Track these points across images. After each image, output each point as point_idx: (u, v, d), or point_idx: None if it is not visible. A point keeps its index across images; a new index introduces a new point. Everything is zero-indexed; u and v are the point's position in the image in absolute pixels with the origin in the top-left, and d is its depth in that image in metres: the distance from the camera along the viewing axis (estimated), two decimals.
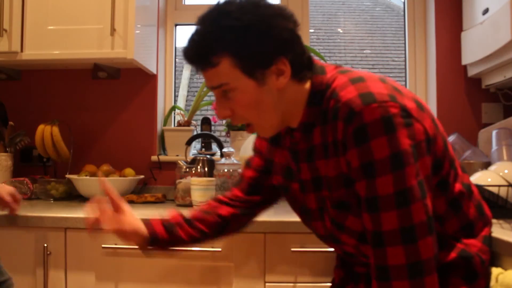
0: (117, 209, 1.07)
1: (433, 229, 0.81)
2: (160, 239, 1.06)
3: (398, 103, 0.81)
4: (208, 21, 0.87)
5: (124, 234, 1.05)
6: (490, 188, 1.26)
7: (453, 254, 0.89)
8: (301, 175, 0.96)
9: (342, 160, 0.85)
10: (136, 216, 1.07)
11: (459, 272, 0.89)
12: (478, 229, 0.94)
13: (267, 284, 1.40)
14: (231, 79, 0.86)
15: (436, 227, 0.87)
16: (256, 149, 1.14)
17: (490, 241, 0.96)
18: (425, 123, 0.84)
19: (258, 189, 1.13)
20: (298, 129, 0.93)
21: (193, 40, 0.88)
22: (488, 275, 0.95)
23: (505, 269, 0.96)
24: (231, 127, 2.07)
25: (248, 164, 1.15)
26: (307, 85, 0.91)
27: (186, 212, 1.11)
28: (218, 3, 0.88)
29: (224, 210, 1.11)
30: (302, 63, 0.90)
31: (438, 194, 0.88)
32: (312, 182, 0.94)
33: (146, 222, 1.07)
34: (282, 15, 0.88)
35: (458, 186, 0.91)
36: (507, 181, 1.26)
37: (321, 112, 0.88)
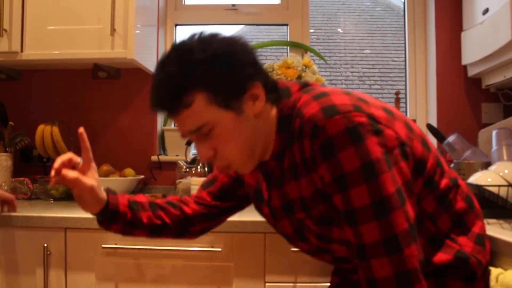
0: (85, 166, 0.98)
1: (416, 236, 0.79)
2: (121, 213, 1.00)
3: (364, 112, 0.80)
4: (173, 61, 0.84)
5: (83, 191, 0.94)
6: (490, 188, 1.26)
7: (449, 256, 0.87)
8: (272, 202, 0.94)
9: (315, 177, 0.83)
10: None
11: (457, 274, 0.88)
12: (470, 222, 0.92)
13: (267, 284, 1.40)
14: (209, 117, 0.83)
15: (429, 227, 0.87)
16: None
17: (483, 239, 0.93)
18: (396, 129, 0.83)
19: (229, 196, 1.10)
20: (272, 158, 0.91)
21: (159, 84, 0.85)
22: (487, 276, 0.94)
23: (505, 269, 0.96)
24: None
25: None
26: (274, 111, 0.89)
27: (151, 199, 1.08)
28: (174, 44, 0.87)
29: (189, 209, 1.08)
30: (270, 85, 0.88)
31: (426, 193, 0.87)
32: (283, 208, 0.93)
33: (111, 190, 1.02)
34: (239, 42, 0.87)
35: (444, 182, 0.90)
36: (507, 181, 1.26)
37: (289, 135, 0.86)
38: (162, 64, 0.87)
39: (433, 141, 2.06)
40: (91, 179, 0.96)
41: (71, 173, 0.94)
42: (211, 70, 0.82)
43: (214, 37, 0.86)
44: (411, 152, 0.84)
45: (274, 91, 0.89)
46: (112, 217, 1.00)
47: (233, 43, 0.86)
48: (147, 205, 1.05)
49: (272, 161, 0.91)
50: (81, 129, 1.03)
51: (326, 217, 0.86)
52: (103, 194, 0.99)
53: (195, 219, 1.09)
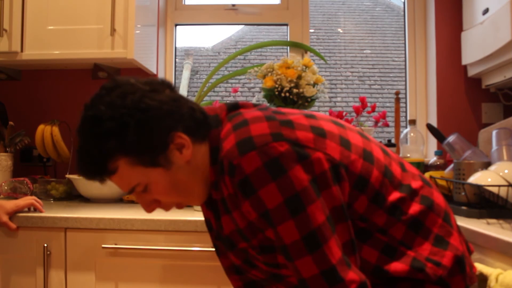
0: None
1: (349, 262, 0.77)
2: None
3: (285, 139, 0.76)
4: (86, 135, 0.82)
5: None
6: (490, 188, 1.26)
7: (405, 266, 0.82)
8: (223, 231, 0.91)
9: (243, 210, 0.80)
10: None
11: (419, 283, 0.83)
12: (430, 222, 0.86)
13: None
14: (139, 178, 0.82)
15: (380, 238, 0.83)
16: None
17: (444, 238, 0.86)
18: (328, 150, 0.79)
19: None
20: (212, 189, 0.89)
21: (81, 157, 0.84)
22: (462, 274, 0.86)
23: (505, 269, 0.96)
24: None
25: None
26: (206, 145, 0.86)
27: None
28: (86, 108, 0.83)
29: None
30: (196, 123, 0.85)
31: (373, 209, 0.83)
32: (224, 242, 0.91)
33: None
34: (152, 90, 0.82)
35: (395, 193, 0.85)
36: (507, 181, 1.26)
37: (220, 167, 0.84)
38: (81, 134, 0.83)
39: (433, 141, 2.06)
40: None
41: None
42: (124, 138, 0.79)
43: (122, 95, 0.81)
44: (346, 172, 0.80)
45: (203, 126, 0.86)
46: None
47: (142, 97, 0.80)
48: None
49: (213, 192, 0.90)
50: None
51: (267, 246, 0.84)
52: None
53: None
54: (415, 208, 0.86)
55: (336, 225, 0.78)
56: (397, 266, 0.83)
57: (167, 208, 0.89)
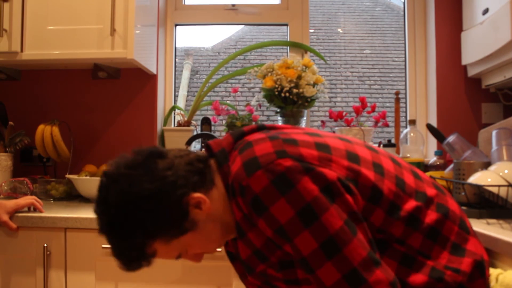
0: None
1: (378, 260, 0.77)
2: None
3: (289, 156, 0.78)
4: (112, 240, 0.85)
5: None
6: (490, 188, 1.26)
7: (424, 277, 0.83)
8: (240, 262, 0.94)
9: (261, 227, 0.81)
10: None
11: None
12: (447, 231, 0.87)
13: None
14: (177, 248, 0.87)
15: (397, 249, 0.83)
16: None
17: (460, 245, 0.87)
18: (333, 167, 0.80)
19: None
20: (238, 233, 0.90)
21: (120, 258, 0.87)
22: (482, 278, 0.87)
23: (505, 269, 0.96)
24: (231, 127, 2.07)
25: None
26: (219, 183, 0.88)
27: None
28: (97, 213, 0.85)
29: None
30: (200, 174, 0.86)
31: (390, 221, 0.83)
32: (245, 267, 0.92)
33: None
34: (146, 171, 0.84)
35: (410, 203, 0.85)
36: (507, 181, 1.26)
37: None
38: (106, 239, 0.87)
39: (433, 141, 2.06)
40: None
41: None
42: (146, 227, 0.82)
43: (123, 193, 0.82)
44: (356, 186, 0.81)
45: (207, 172, 0.87)
46: None
47: (141, 183, 0.82)
48: None
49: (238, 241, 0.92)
50: None
51: (286, 261, 0.84)
52: None
53: None
54: (431, 216, 0.86)
55: (356, 227, 0.78)
56: (416, 278, 0.83)
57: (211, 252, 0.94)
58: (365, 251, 0.76)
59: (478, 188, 1.32)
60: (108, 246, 0.87)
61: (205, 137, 2.08)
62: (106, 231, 0.85)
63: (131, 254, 0.85)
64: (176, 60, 2.31)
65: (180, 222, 0.84)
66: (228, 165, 0.87)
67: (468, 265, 0.85)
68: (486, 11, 1.71)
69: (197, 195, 0.84)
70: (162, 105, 2.21)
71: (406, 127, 2.12)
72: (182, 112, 2.20)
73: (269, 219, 0.77)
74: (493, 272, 0.95)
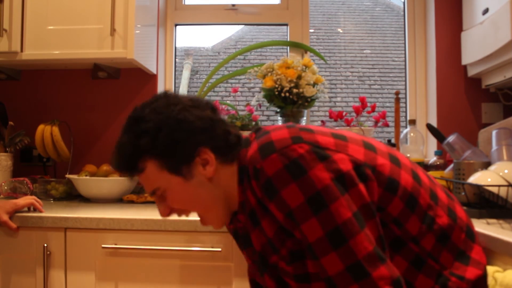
0: None
1: (383, 257, 0.77)
2: None
3: (305, 142, 0.79)
4: (126, 130, 0.90)
5: None
6: (490, 188, 1.26)
7: (431, 281, 0.84)
8: (256, 255, 0.93)
9: (273, 213, 0.82)
10: None
11: None
12: (455, 237, 0.88)
13: None
14: (160, 181, 0.88)
15: (412, 249, 0.84)
16: None
17: (465, 253, 0.89)
18: (350, 151, 0.81)
19: None
20: (240, 211, 0.92)
21: (117, 151, 0.92)
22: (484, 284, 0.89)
23: (505, 269, 0.96)
24: None
25: None
26: (235, 166, 0.90)
27: None
28: (136, 108, 0.91)
29: None
30: (228, 145, 0.89)
31: (408, 213, 0.83)
32: (260, 259, 0.92)
33: None
34: (195, 105, 0.89)
35: (426, 199, 0.86)
36: (507, 181, 1.26)
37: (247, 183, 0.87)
38: (123, 130, 0.92)
39: (433, 141, 2.06)
40: None
41: None
42: (156, 140, 0.86)
43: (167, 103, 0.88)
44: (373, 172, 0.82)
45: (234, 149, 0.90)
46: None
47: (183, 109, 0.87)
48: None
49: (240, 214, 0.92)
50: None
51: (296, 252, 0.84)
52: None
53: None
54: (443, 220, 0.87)
55: (366, 221, 0.78)
56: (423, 282, 0.84)
57: (180, 213, 0.94)
58: (371, 245, 0.76)
59: (478, 188, 1.32)
60: (116, 147, 0.93)
61: None
62: (128, 123, 0.90)
63: (127, 156, 0.89)
64: (176, 60, 2.31)
65: (181, 161, 0.87)
66: (247, 149, 0.88)
67: (473, 274, 0.86)
68: (486, 11, 1.71)
69: (211, 156, 0.88)
70: None
71: (406, 127, 2.12)
72: None
73: (280, 203, 0.78)
74: (492, 272, 0.95)
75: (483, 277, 0.89)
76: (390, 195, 0.82)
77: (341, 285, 0.76)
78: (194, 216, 1.43)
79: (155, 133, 0.86)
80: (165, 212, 0.93)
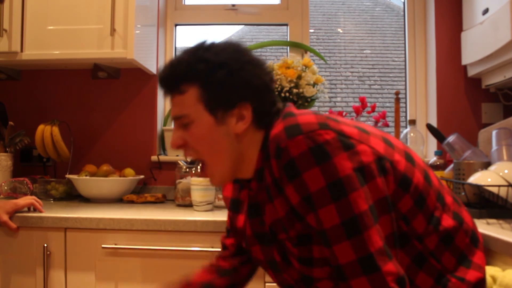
0: None
1: (391, 254, 0.78)
2: None
3: (331, 129, 0.79)
4: (189, 51, 0.89)
5: None
6: (490, 188, 1.26)
7: (430, 280, 0.85)
8: (265, 227, 0.93)
9: (287, 195, 0.82)
10: None
11: None
12: (459, 240, 0.89)
13: (267, 284, 1.40)
14: (192, 111, 0.88)
15: (415, 246, 0.85)
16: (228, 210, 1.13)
17: (467, 256, 0.90)
18: (372, 144, 0.81)
19: (242, 251, 1.12)
20: (254, 179, 0.92)
21: (170, 65, 0.91)
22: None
23: (504, 269, 0.96)
24: None
25: (226, 231, 1.16)
26: (262, 132, 0.90)
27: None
28: (206, 40, 0.91)
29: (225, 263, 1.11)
30: (267, 113, 0.89)
31: (416, 211, 0.84)
32: (271, 229, 0.92)
33: None
34: (258, 64, 0.90)
35: (433, 201, 0.87)
36: (507, 181, 1.26)
37: (266, 155, 0.87)
38: (185, 51, 0.91)
39: (433, 141, 2.06)
40: None
41: None
42: (212, 73, 0.85)
43: (237, 48, 0.89)
44: (391, 166, 0.82)
45: (270, 118, 0.89)
46: None
47: (249, 61, 0.88)
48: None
49: (254, 182, 0.92)
50: None
51: (305, 236, 0.84)
52: None
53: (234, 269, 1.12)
54: (449, 222, 0.88)
55: (379, 216, 0.79)
56: (423, 280, 0.85)
57: (187, 153, 0.93)
58: (382, 241, 0.77)
59: (478, 188, 1.32)
60: (172, 60, 0.91)
61: None
62: (196, 45, 0.90)
63: (178, 71, 0.88)
64: None
65: (221, 104, 0.87)
66: (272, 126, 0.88)
67: (473, 276, 0.87)
68: (486, 11, 1.71)
69: (249, 114, 0.87)
70: (162, 105, 2.21)
71: (406, 127, 2.12)
72: None
73: (300, 185, 0.78)
74: (492, 272, 0.95)
75: (484, 280, 0.90)
76: (402, 191, 0.83)
77: (350, 275, 0.77)
78: (194, 216, 1.43)
79: (215, 67, 0.86)
80: (177, 142, 0.92)
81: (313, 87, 1.97)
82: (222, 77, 0.85)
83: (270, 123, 0.89)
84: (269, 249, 0.95)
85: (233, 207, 1.05)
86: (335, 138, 0.78)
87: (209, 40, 0.91)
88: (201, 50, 0.88)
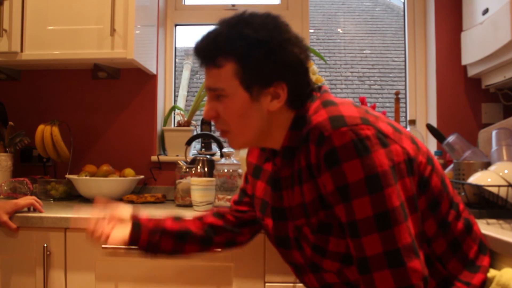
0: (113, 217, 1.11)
1: (418, 253, 0.78)
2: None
3: (372, 125, 0.80)
4: (228, 24, 0.89)
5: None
6: (490, 188, 1.26)
7: (433, 282, 0.87)
8: (284, 202, 0.95)
9: (319, 182, 0.84)
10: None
11: None
12: (467, 247, 0.91)
13: (267, 284, 1.40)
14: (228, 86, 0.88)
15: (424, 249, 0.85)
16: (245, 179, 1.17)
17: (475, 262, 0.92)
18: (404, 144, 0.83)
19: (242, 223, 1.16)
20: (280, 154, 0.93)
21: (208, 36, 0.90)
22: None
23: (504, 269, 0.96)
24: None
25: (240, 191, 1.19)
26: (293, 113, 0.91)
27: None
28: (245, 11, 0.91)
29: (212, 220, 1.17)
30: (301, 94, 0.90)
31: (428, 215, 0.86)
32: (291, 210, 0.93)
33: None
34: (297, 43, 0.90)
35: (447, 207, 0.89)
36: (507, 181, 1.26)
37: (298, 136, 0.88)
38: (223, 22, 0.91)
39: (433, 141, 2.06)
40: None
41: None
42: (251, 50, 0.85)
43: (277, 25, 0.88)
44: (417, 167, 0.84)
45: (303, 99, 0.91)
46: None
47: (288, 40, 0.88)
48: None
49: (279, 158, 0.93)
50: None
51: (326, 224, 0.86)
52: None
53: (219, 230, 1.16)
54: (458, 228, 0.90)
55: (409, 214, 0.80)
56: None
57: (218, 125, 0.94)
58: (410, 238, 0.78)
59: (478, 188, 1.32)
60: (211, 32, 0.91)
61: (205, 137, 2.08)
62: (238, 18, 0.90)
63: (216, 44, 0.88)
64: (176, 60, 2.31)
65: (257, 82, 0.87)
66: (310, 104, 0.89)
67: (478, 279, 0.89)
68: (486, 11, 1.71)
69: (284, 94, 0.88)
70: (162, 105, 2.21)
71: (406, 127, 2.12)
72: (182, 112, 2.20)
73: (338, 174, 0.79)
74: (491, 271, 0.95)
75: (486, 280, 0.91)
76: (420, 192, 0.85)
77: (374, 268, 0.77)
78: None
79: (254, 45, 0.85)
80: (210, 114, 0.92)
81: None
82: (260, 56, 0.86)
83: (302, 104, 0.90)
84: (282, 224, 0.96)
85: (255, 173, 1.08)
86: (375, 134, 0.80)
87: (248, 11, 0.91)
88: (241, 25, 0.87)
